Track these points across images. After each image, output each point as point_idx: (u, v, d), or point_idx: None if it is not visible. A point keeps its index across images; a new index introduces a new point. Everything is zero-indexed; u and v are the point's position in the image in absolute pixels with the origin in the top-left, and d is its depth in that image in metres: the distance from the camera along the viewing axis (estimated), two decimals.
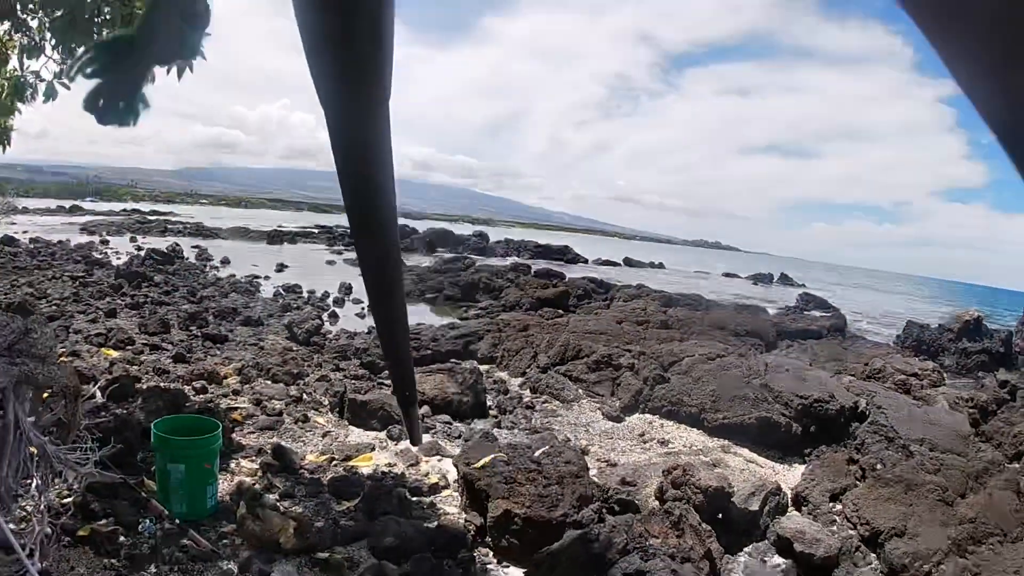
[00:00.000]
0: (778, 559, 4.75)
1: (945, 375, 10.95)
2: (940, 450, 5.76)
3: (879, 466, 5.57)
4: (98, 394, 4.21)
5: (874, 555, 4.80)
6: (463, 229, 49.46)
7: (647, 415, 7.86)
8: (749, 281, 46.64)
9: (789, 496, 5.65)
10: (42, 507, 3.04)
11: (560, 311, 15.23)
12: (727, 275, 51.45)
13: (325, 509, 4.58)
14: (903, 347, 15.02)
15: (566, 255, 41.01)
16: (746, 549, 4.84)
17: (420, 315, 14.83)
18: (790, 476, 6.33)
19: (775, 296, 31.60)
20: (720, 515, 4.88)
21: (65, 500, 3.84)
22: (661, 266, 50.19)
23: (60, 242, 21.11)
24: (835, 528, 5.16)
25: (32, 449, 2.97)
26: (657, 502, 5.02)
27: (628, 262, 48.36)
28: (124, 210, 48.93)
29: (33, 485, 3.01)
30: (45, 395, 3.43)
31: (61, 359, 4.01)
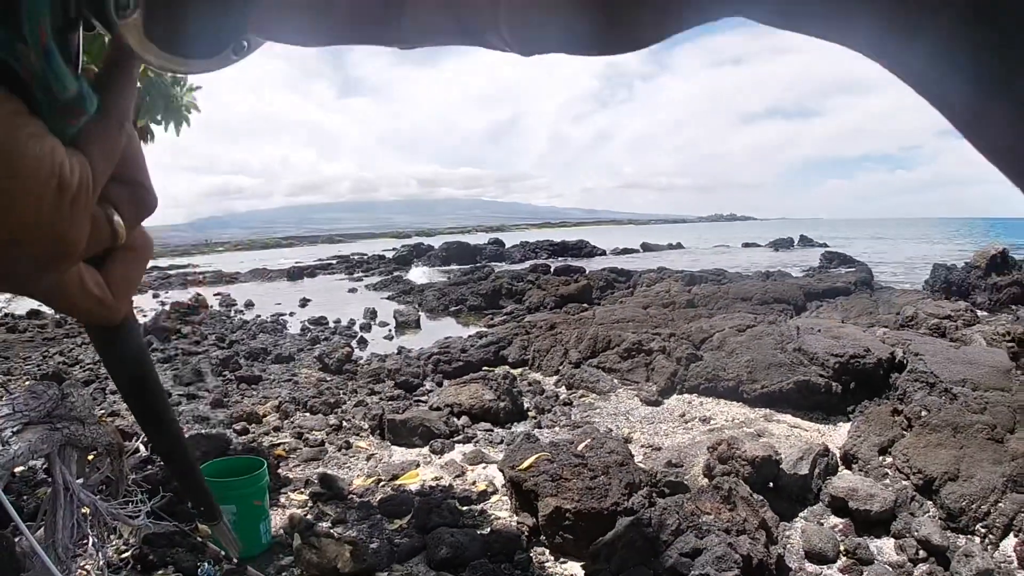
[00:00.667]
0: (835, 519, 4.72)
1: (978, 313, 10.84)
2: (983, 388, 5.70)
3: (924, 413, 5.52)
4: (141, 448, 4.28)
5: (930, 502, 4.76)
6: (478, 239, 49.52)
7: (685, 395, 7.84)
8: (769, 248, 46.38)
9: (838, 456, 5.62)
10: (101, 564, 3.10)
11: (585, 305, 15.25)
12: (747, 245, 51.20)
13: (378, 530, 4.63)
14: (933, 291, 14.86)
15: (583, 249, 40.96)
16: (801, 514, 4.82)
17: (447, 328, 14.87)
18: (836, 436, 6.29)
19: (798, 259, 31.38)
20: (771, 484, 4.87)
21: (123, 555, 3.91)
22: (679, 246, 50.03)
23: None
24: (888, 481, 5.13)
25: (84, 509, 3.03)
26: (706, 479, 5.01)
27: (646, 247, 48.23)
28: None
29: (90, 543, 3.06)
30: (90, 456, 3.49)
31: (101, 420, 4.08)
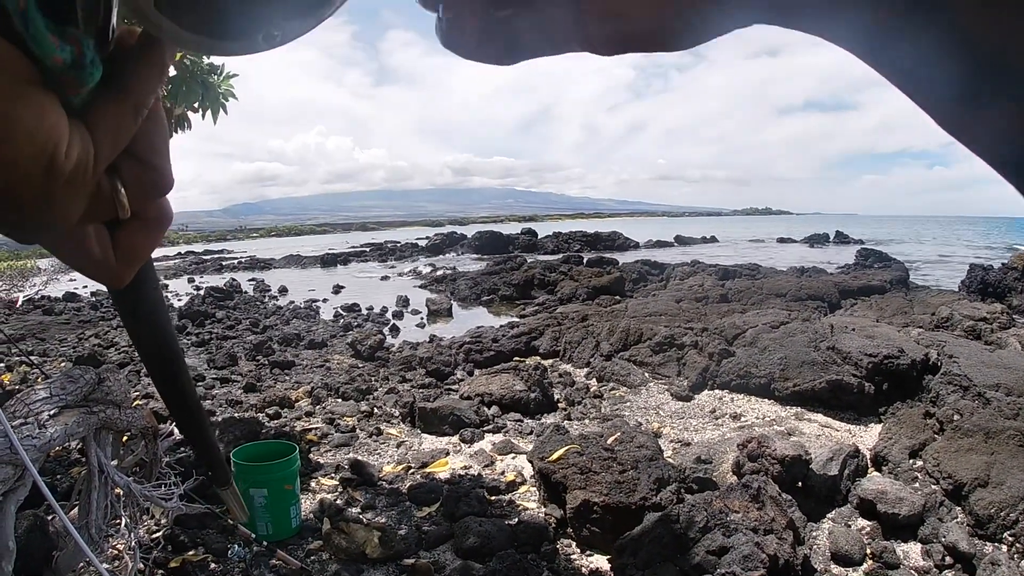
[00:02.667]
0: (862, 521, 4.67)
1: (1015, 316, 10.64)
2: (1017, 394, 5.60)
3: (956, 417, 5.44)
4: (175, 432, 4.34)
5: (959, 508, 4.69)
6: (510, 228, 49.53)
7: (716, 391, 7.80)
8: (805, 244, 45.90)
9: (868, 457, 5.56)
10: (133, 544, 3.15)
11: (617, 297, 15.19)
12: (782, 240, 50.69)
13: (407, 517, 4.67)
14: (968, 292, 14.60)
15: (616, 241, 40.78)
16: (829, 515, 4.77)
17: (479, 318, 14.91)
18: (867, 437, 6.22)
19: (833, 256, 30.99)
20: (800, 483, 4.83)
21: (154, 535, 3.98)
22: (713, 240, 49.69)
23: None
24: (917, 485, 5.06)
25: (118, 491, 3.09)
26: (735, 477, 4.98)
27: (680, 240, 47.91)
28: (179, 254, 50.19)
29: (122, 524, 3.12)
30: (125, 438, 3.56)
31: (136, 402, 4.15)
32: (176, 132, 5.88)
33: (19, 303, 17.74)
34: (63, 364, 10.13)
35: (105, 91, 0.39)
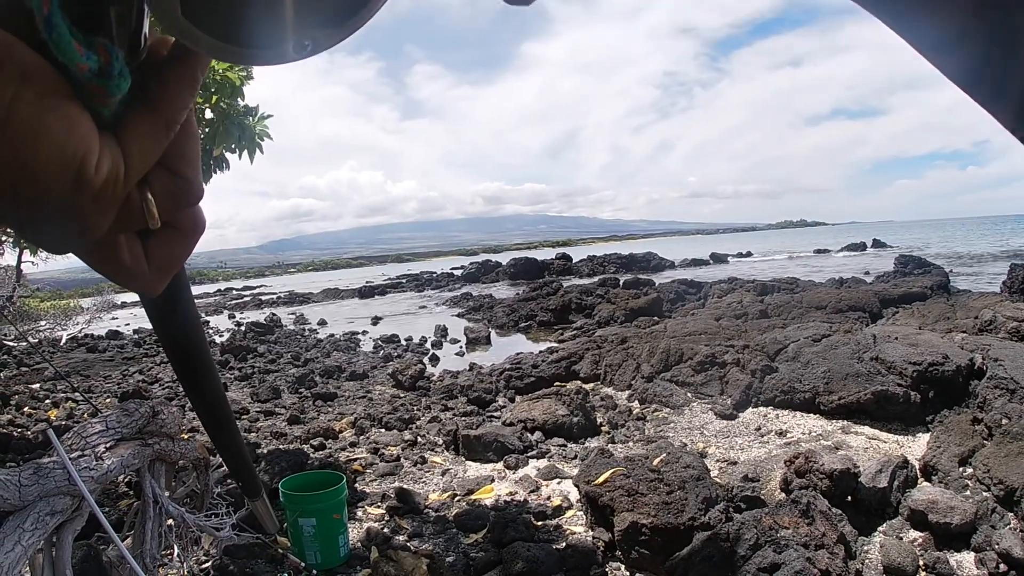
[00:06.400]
0: (914, 533, 4.58)
1: None
2: None
3: (1004, 421, 5.33)
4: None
5: (1011, 514, 4.58)
6: (544, 254, 49.61)
7: (760, 408, 7.72)
8: (842, 254, 45.38)
9: (917, 468, 5.46)
10: (184, 573, 3.21)
11: (655, 318, 15.14)
12: (819, 251, 50.19)
13: (454, 544, 4.67)
14: (1011, 293, 14.29)
15: (651, 262, 40.64)
16: (880, 528, 4.69)
17: (517, 344, 14.93)
18: (915, 447, 6.12)
19: (871, 264, 30.58)
20: (849, 497, 4.76)
21: (203, 565, 4.04)
22: (749, 255, 49.35)
23: None
24: (968, 493, 4.96)
25: (170, 521, 3.15)
26: (783, 494, 4.93)
27: (715, 257, 47.63)
28: (218, 290, 50.96)
29: (175, 554, 3.18)
30: (177, 470, 3.63)
31: (184, 436, 4.24)
32: (215, 173, 6.02)
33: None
34: (108, 400, 10.32)
35: (137, 105, 0.39)
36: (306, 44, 0.40)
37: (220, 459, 4.52)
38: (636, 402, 8.45)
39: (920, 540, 4.50)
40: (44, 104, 0.33)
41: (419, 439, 7.21)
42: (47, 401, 10.18)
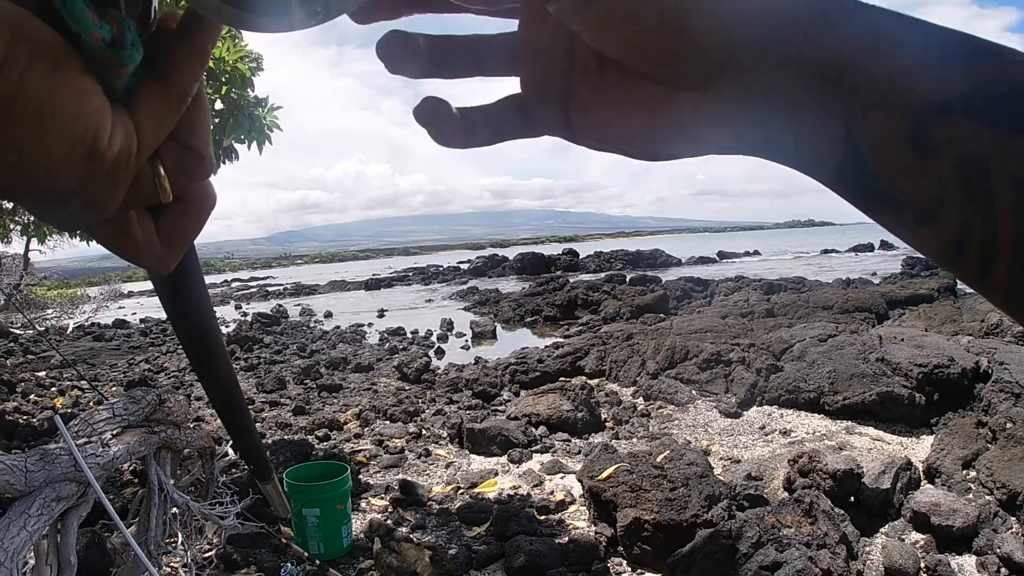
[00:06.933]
0: (916, 535, 4.58)
1: None
2: None
3: (1008, 425, 5.31)
4: (230, 452, 4.44)
5: (1013, 518, 4.58)
6: (551, 249, 49.59)
7: (765, 407, 7.71)
8: (849, 254, 45.23)
9: (920, 469, 5.45)
10: (188, 561, 3.23)
11: (661, 315, 15.12)
12: (826, 252, 50.01)
13: (457, 536, 4.69)
14: None
15: (658, 259, 40.59)
16: (882, 529, 4.69)
17: (523, 339, 14.92)
18: (919, 449, 6.11)
19: (879, 265, 30.48)
20: (852, 498, 4.76)
21: (207, 554, 4.06)
22: (756, 254, 49.23)
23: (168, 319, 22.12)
24: (971, 496, 4.95)
25: (174, 509, 3.17)
26: (786, 493, 4.93)
27: (722, 255, 47.54)
28: (225, 281, 51.12)
29: (179, 542, 3.20)
30: (182, 458, 3.65)
31: (189, 424, 4.25)
32: (224, 163, 6.04)
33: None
34: (115, 388, 10.37)
35: (148, 78, 0.39)
36: (318, 10, 0.38)
37: (227, 446, 4.55)
38: (641, 398, 8.45)
39: (922, 542, 4.49)
40: (55, 78, 0.33)
41: (423, 432, 7.22)
42: (53, 389, 10.23)
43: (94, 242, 0.48)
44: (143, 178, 0.41)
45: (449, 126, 0.48)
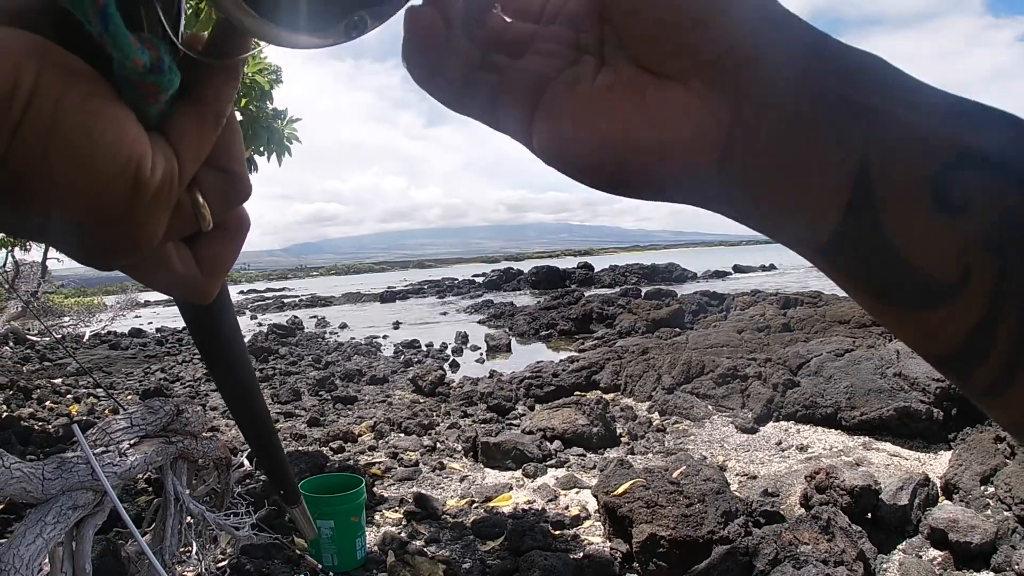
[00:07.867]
0: (934, 552, 4.52)
1: None
2: None
3: None
4: (245, 463, 4.45)
5: None
6: (566, 263, 49.53)
7: (782, 422, 7.65)
8: None
9: (939, 485, 5.39)
10: (202, 571, 3.23)
11: (677, 329, 15.05)
12: None
13: (471, 551, 4.67)
14: None
15: (674, 273, 40.44)
16: (899, 546, 4.63)
17: (538, 353, 14.89)
18: (937, 464, 6.04)
19: None
20: (869, 514, 4.71)
21: (220, 564, 4.06)
22: (772, 267, 48.92)
23: (184, 328, 22.16)
24: (989, 512, 4.89)
25: (189, 519, 3.18)
26: (803, 509, 4.88)
27: (738, 269, 47.33)
28: (240, 292, 51.42)
29: (193, 551, 3.20)
30: (198, 468, 3.66)
31: (206, 435, 4.27)
32: None
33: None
34: (130, 396, 10.42)
35: (181, 102, 0.38)
36: (364, 21, 0.38)
37: (243, 457, 4.56)
38: (656, 414, 8.41)
39: (940, 559, 4.44)
40: (90, 107, 0.32)
41: (438, 445, 7.21)
42: (69, 396, 10.28)
43: None
44: (182, 207, 0.40)
45: (446, 71, 0.45)
